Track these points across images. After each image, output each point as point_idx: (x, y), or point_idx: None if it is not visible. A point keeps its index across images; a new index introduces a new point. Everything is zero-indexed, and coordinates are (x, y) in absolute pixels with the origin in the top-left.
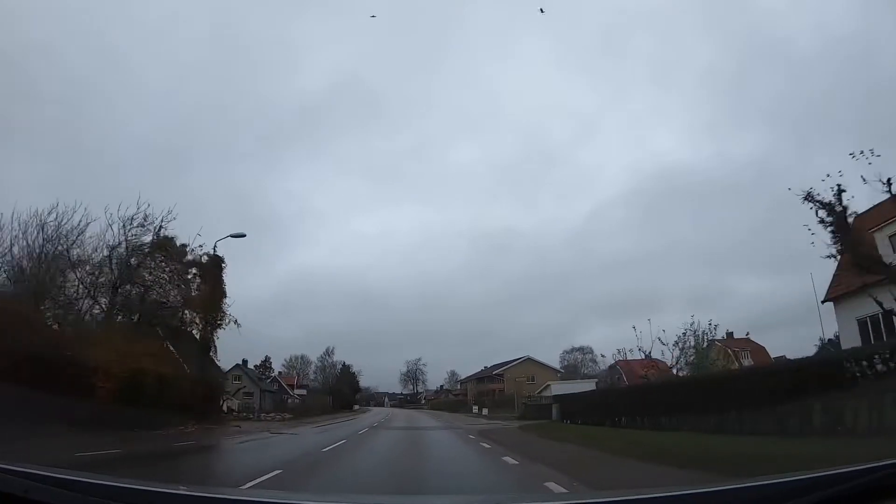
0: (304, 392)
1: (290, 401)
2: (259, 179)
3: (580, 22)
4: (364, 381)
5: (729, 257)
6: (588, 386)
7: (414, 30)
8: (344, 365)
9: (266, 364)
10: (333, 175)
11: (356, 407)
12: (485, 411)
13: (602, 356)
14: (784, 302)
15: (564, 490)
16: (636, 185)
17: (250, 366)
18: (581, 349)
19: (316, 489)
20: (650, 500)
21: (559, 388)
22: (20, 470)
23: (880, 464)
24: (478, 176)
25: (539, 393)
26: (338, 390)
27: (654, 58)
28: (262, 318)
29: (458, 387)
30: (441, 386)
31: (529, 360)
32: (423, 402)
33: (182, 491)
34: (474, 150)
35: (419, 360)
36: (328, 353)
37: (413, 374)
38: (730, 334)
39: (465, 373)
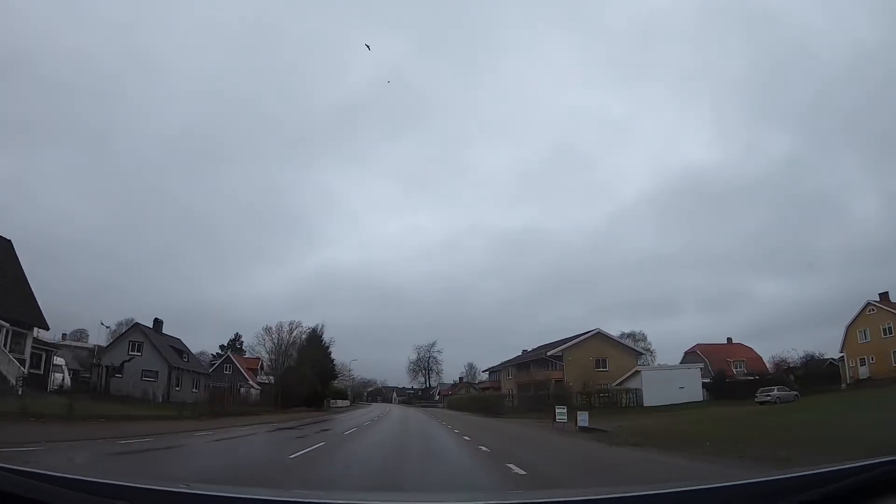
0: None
1: (244, 390)
2: (288, 178)
3: (609, 29)
4: (370, 374)
5: (749, 260)
6: (690, 375)
7: (448, 39)
8: (312, 332)
9: (234, 344)
10: (361, 175)
11: (338, 403)
12: (582, 418)
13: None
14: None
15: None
16: (658, 189)
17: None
18: (632, 335)
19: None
20: (649, 497)
21: (653, 376)
22: (21, 469)
23: (877, 461)
24: (503, 177)
25: (620, 384)
26: (298, 373)
27: (680, 65)
28: (283, 313)
29: (487, 377)
30: (460, 378)
31: (599, 336)
32: (437, 397)
33: (183, 489)
34: (501, 152)
35: (433, 345)
36: (316, 331)
37: (425, 364)
38: (884, 295)
39: (483, 367)
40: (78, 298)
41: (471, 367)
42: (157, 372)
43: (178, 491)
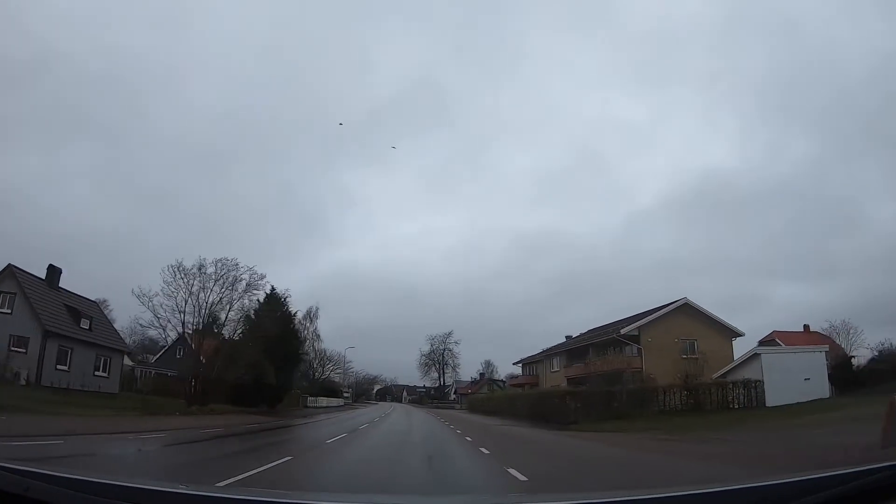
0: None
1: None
2: (307, 178)
3: (632, 34)
4: (386, 375)
5: (767, 263)
6: (814, 361)
7: (474, 43)
8: (272, 294)
9: (213, 324)
10: (381, 175)
11: (320, 402)
12: None
13: None
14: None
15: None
16: (677, 192)
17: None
18: None
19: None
20: (651, 500)
21: (776, 363)
22: (20, 468)
23: (881, 465)
24: (522, 180)
25: (724, 374)
26: (232, 351)
27: (700, 70)
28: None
29: (519, 372)
30: (481, 374)
31: (687, 309)
32: (452, 396)
33: (182, 490)
34: (521, 155)
35: (449, 335)
36: (275, 291)
37: (440, 357)
38: None
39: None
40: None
41: (488, 364)
42: (27, 339)
43: (177, 491)
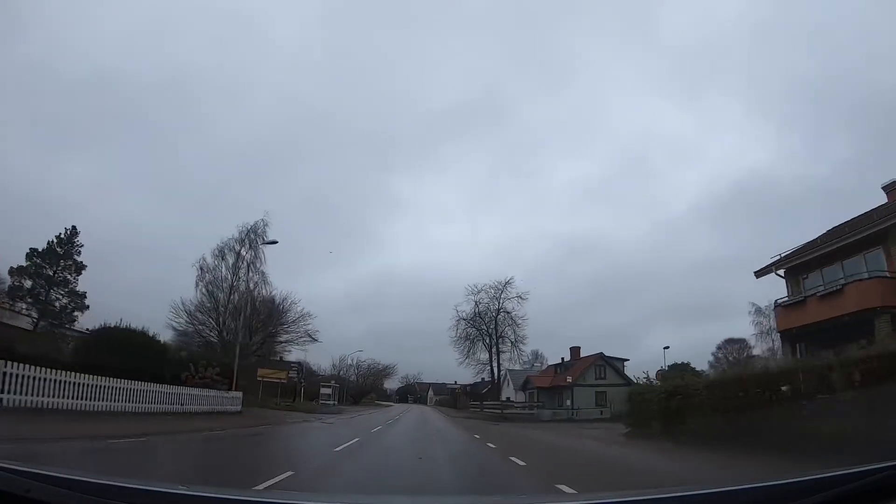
0: None
1: None
2: (350, 182)
3: (673, 44)
4: (397, 366)
5: None
6: None
7: (523, 56)
8: None
9: (67, 250)
10: (425, 180)
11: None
12: None
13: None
14: None
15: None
16: (713, 196)
17: None
18: (737, 341)
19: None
20: (652, 500)
21: None
22: (22, 469)
23: (881, 465)
24: (562, 187)
25: None
26: None
27: (741, 78)
28: (337, 312)
29: (802, 289)
30: (572, 348)
31: None
32: (520, 392)
33: (182, 490)
34: (564, 162)
35: (508, 284)
36: (248, 236)
37: (490, 325)
38: None
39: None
40: (142, 298)
41: (536, 354)
42: None
43: (178, 492)
